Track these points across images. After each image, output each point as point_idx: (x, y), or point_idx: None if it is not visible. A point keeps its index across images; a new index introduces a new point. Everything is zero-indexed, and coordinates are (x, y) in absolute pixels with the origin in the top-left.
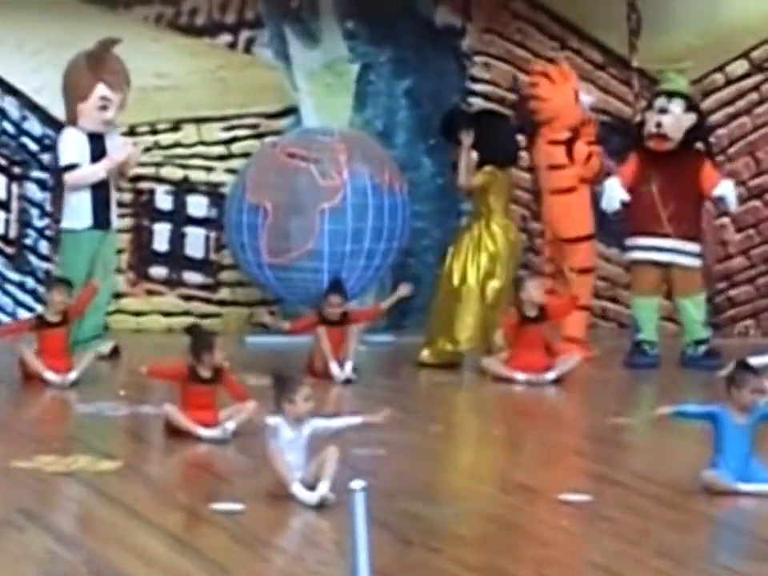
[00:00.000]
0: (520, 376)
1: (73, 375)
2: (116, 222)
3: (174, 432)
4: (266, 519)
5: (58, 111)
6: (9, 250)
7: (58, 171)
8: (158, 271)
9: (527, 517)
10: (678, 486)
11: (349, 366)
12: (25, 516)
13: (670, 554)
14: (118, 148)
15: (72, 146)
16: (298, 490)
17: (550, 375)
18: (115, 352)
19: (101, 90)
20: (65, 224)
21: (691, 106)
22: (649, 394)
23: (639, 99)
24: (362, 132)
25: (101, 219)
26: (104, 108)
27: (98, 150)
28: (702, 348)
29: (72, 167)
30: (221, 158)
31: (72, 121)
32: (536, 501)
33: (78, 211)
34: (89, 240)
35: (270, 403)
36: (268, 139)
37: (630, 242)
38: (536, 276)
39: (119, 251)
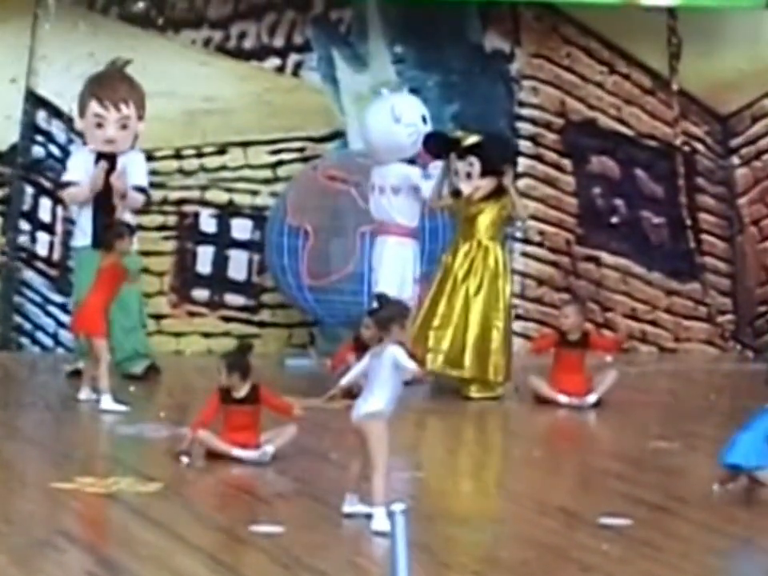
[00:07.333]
0: (562, 398)
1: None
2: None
3: (214, 454)
4: (305, 541)
5: None
6: (52, 272)
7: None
8: (201, 293)
9: (567, 541)
10: (719, 511)
11: None
12: (65, 537)
13: None
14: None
15: (75, 164)
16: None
17: (591, 398)
18: (150, 371)
19: (93, 107)
20: (72, 242)
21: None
22: (692, 417)
23: (679, 122)
24: None
25: (101, 238)
26: (99, 126)
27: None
28: None
29: (68, 184)
30: (266, 181)
31: (84, 140)
32: (576, 525)
33: (79, 229)
34: (89, 258)
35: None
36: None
37: None
38: (575, 301)
39: (161, 273)
